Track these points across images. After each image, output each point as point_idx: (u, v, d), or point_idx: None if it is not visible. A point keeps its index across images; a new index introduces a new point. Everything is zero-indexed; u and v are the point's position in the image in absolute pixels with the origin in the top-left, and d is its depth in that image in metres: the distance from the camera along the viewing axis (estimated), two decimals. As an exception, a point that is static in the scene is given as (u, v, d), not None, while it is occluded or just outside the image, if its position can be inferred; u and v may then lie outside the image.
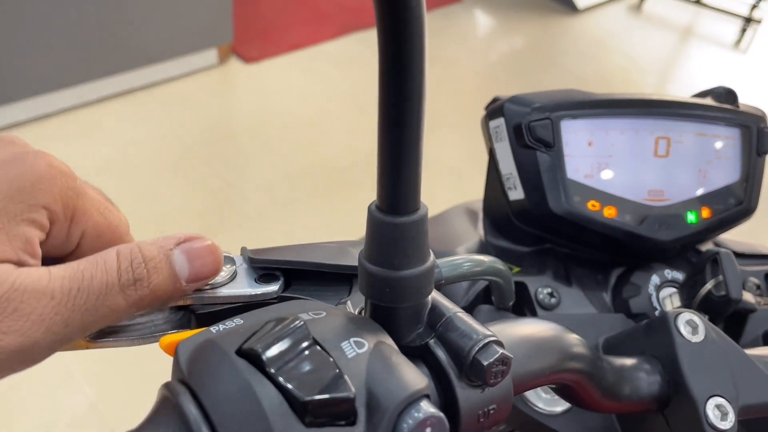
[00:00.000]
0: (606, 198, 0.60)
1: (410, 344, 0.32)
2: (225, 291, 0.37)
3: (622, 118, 0.61)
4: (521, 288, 0.60)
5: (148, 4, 2.49)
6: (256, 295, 0.37)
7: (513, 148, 0.60)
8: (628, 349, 0.48)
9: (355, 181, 2.37)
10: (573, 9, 3.83)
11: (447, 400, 0.32)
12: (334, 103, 2.77)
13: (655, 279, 0.62)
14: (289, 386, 0.26)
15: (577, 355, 0.39)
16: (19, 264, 0.30)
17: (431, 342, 0.32)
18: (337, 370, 0.27)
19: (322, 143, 2.54)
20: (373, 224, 0.30)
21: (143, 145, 2.41)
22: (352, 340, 0.29)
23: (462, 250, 0.68)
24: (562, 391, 0.42)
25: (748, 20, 3.75)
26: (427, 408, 0.28)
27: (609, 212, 0.60)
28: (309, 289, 0.39)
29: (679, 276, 0.62)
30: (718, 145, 0.63)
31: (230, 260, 0.38)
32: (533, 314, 0.59)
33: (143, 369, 1.53)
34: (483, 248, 0.67)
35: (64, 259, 0.34)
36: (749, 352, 0.46)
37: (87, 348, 0.35)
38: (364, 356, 0.29)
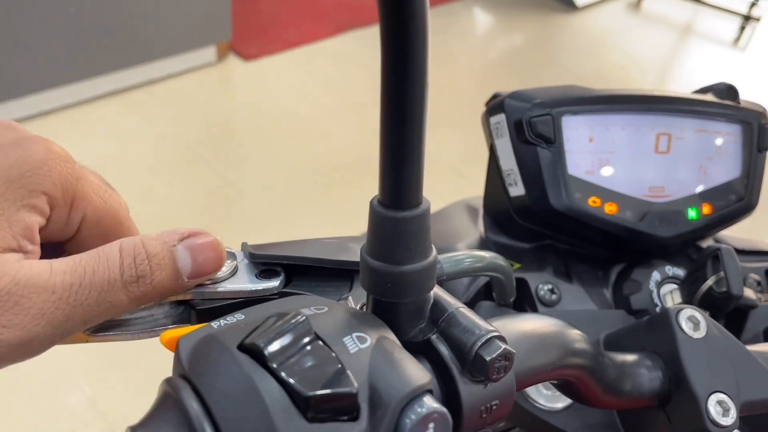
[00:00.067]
0: (607, 194, 0.60)
1: (412, 340, 0.32)
2: (226, 286, 0.37)
3: (623, 114, 0.61)
4: (522, 284, 0.60)
5: (146, 1, 2.48)
6: (256, 290, 0.37)
7: (514, 144, 0.60)
8: (629, 345, 0.48)
9: (354, 179, 2.36)
10: (572, 7, 3.83)
11: (449, 396, 0.31)
12: (332, 101, 2.77)
13: (655, 275, 0.62)
14: (292, 381, 0.26)
15: (579, 351, 0.39)
16: (19, 251, 0.29)
17: (433, 337, 0.32)
18: (340, 365, 0.27)
19: (321, 140, 2.54)
20: (375, 219, 0.29)
21: (141, 143, 2.41)
22: (354, 335, 0.29)
23: (462, 247, 0.68)
24: (564, 387, 0.42)
25: (747, 18, 3.75)
26: (430, 403, 0.27)
27: (610, 208, 0.60)
28: (310, 285, 0.39)
29: (680, 272, 0.62)
30: (719, 141, 0.63)
31: (231, 255, 0.38)
32: (534, 311, 0.59)
33: (143, 365, 1.53)
34: (483, 244, 0.67)
35: (65, 244, 0.34)
36: (750, 348, 0.46)
37: (87, 341, 0.35)
38: (366, 351, 0.29)
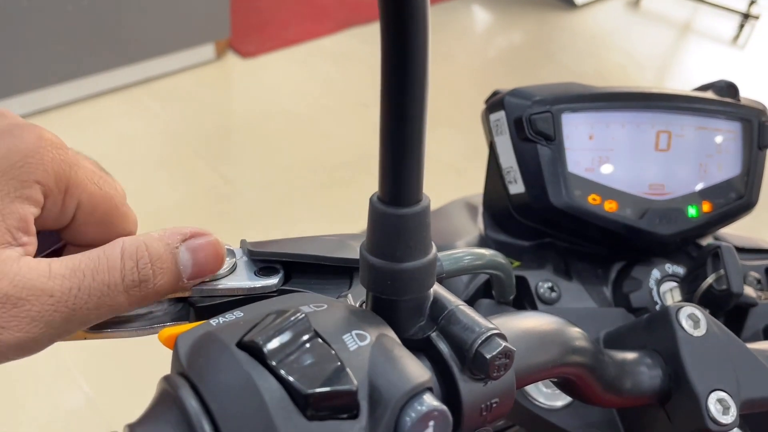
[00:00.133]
0: (607, 192, 0.60)
1: (412, 337, 0.32)
2: (225, 283, 0.36)
3: (623, 111, 0.61)
4: (521, 282, 0.60)
5: (145, -2, 2.48)
6: (255, 287, 0.37)
7: (513, 142, 0.59)
8: (629, 343, 0.47)
9: (352, 177, 2.36)
10: (571, 5, 3.82)
11: (449, 394, 0.31)
12: (331, 99, 2.77)
13: (655, 273, 0.62)
14: (291, 379, 0.26)
15: (580, 349, 0.39)
16: (15, 244, 0.29)
17: (433, 335, 0.32)
18: (339, 363, 0.27)
19: (320, 139, 2.54)
20: (374, 216, 0.29)
21: (139, 141, 2.41)
22: (353, 332, 0.29)
23: (462, 245, 0.68)
24: (564, 385, 0.41)
25: (746, 16, 3.75)
26: (430, 401, 0.27)
27: (609, 206, 0.60)
28: (309, 282, 0.39)
29: (680, 270, 0.62)
30: (719, 139, 0.63)
31: (230, 253, 0.38)
32: (533, 308, 0.59)
33: (141, 362, 1.53)
34: (483, 242, 0.67)
35: (61, 231, 0.34)
36: (751, 346, 0.46)
37: (85, 338, 0.35)
38: (366, 349, 0.28)
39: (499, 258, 0.49)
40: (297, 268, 0.39)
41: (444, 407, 0.28)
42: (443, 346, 0.31)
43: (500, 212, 0.65)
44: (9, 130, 0.30)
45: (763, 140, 0.64)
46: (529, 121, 0.58)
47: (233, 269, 0.37)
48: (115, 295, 0.30)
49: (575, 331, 0.39)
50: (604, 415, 0.52)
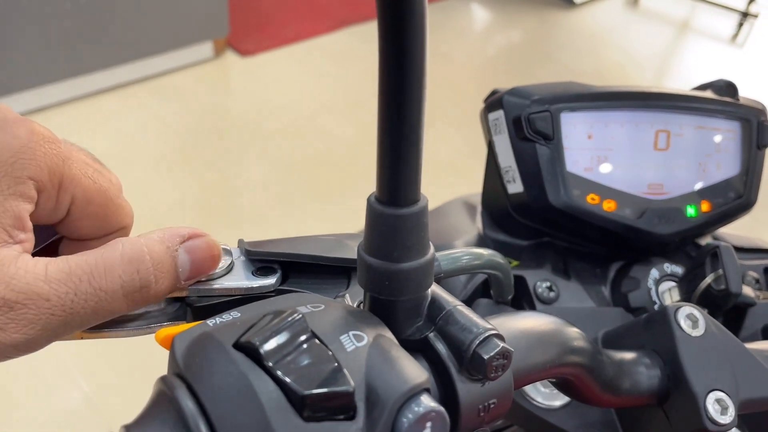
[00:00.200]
0: (605, 191, 0.60)
1: (410, 338, 0.32)
2: (222, 283, 0.36)
3: (622, 110, 0.60)
4: (520, 282, 0.60)
5: (143, -4, 2.48)
6: (253, 288, 0.37)
7: (512, 141, 0.59)
8: (628, 343, 0.47)
9: (351, 175, 2.36)
10: (570, 3, 3.82)
11: (447, 394, 0.31)
12: (329, 97, 2.76)
13: (654, 273, 0.62)
14: (288, 380, 0.26)
15: (578, 349, 0.38)
16: (12, 242, 0.29)
17: (431, 335, 0.32)
18: (336, 364, 0.27)
19: (318, 137, 2.54)
20: (372, 216, 0.29)
21: (138, 139, 2.40)
22: (351, 333, 0.29)
23: (460, 244, 0.68)
24: (562, 385, 0.41)
25: (745, 14, 3.75)
26: (427, 402, 0.27)
27: (608, 206, 0.59)
28: (306, 282, 0.39)
29: (679, 270, 0.62)
30: (718, 138, 0.63)
31: (227, 252, 0.38)
32: (532, 308, 0.59)
33: (139, 362, 1.53)
34: (481, 242, 0.66)
35: (56, 225, 0.34)
36: (749, 346, 0.46)
37: (81, 338, 0.35)
38: (363, 350, 0.28)
39: (498, 258, 0.49)
40: (294, 268, 0.39)
41: (441, 408, 0.27)
42: (441, 347, 0.31)
43: (499, 211, 0.65)
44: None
45: (762, 140, 0.63)
46: (527, 121, 0.58)
47: (230, 269, 0.37)
48: (113, 300, 0.30)
49: (573, 331, 0.39)
50: (603, 415, 0.52)
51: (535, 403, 0.54)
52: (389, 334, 0.30)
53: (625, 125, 0.61)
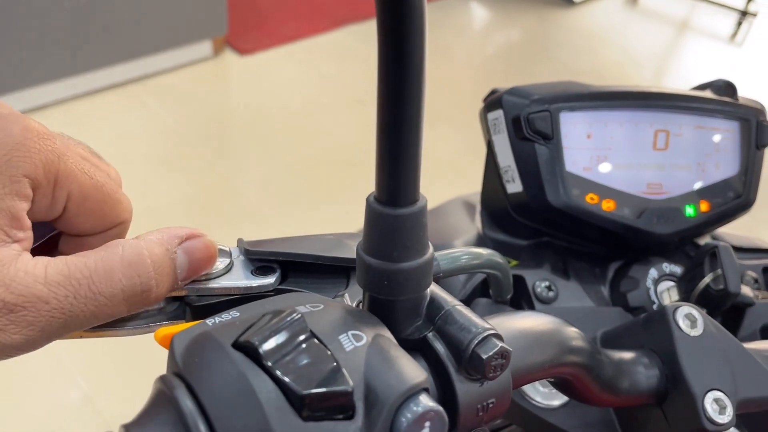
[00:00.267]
0: (604, 191, 0.60)
1: (409, 337, 0.32)
2: (221, 283, 0.36)
3: (621, 110, 0.60)
4: (519, 281, 0.60)
5: (142, -5, 2.47)
6: (252, 287, 0.37)
7: (511, 141, 0.59)
8: (627, 342, 0.47)
9: (350, 174, 2.36)
10: (569, 2, 3.82)
11: (445, 394, 0.31)
12: (329, 96, 2.76)
13: (653, 272, 0.62)
14: (286, 379, 0.26)
15: (576, 349, 0.38)
16: (11, 241, 0.29)
17: (430, 335, 0.32)
18: (335, 364, 0.27)
19: (317, 136, 2.54)
20: (371, 216, 0.29)
21: (137, 138, 2.40)
22: (350, 333, 0.29)
23: (459, 244, 0.68)
24: (561, 384, 0.41)
25: (744, 13, 3.75)
26: (426, 402, 0.27)
27: (607, 205, 0.59)
28: (306, 282, 0.39)
29: (678, 269, 0.62)
30: (717, 138, 0.63)
31: (226, 252, 0.38)
32: (531, 308, 0.59)
33: (138, 361, 1.53)
34: (480, 241, 0.66)
35: (54, 222, 0.33)
36: (748, 345, 0.46)
37: (81, 337, 0.35)
38: (362, 349, 0.28)
39: (497, 257, 0.49)
40: (294, 268, 0.39)
41: (440, 408, 0.27)
42: (440, 347, 0.31)
43: (498, 211, 0.65)
44: None
45: (761, 139, 0.63)
46: (527, 120, 0.58)
47: (230, 268, 0.37)
48: (113, 304, 0.30)
49: (572, 331, 0.39)
50: (601, 414, 0.52)
51: (533, 402, 0.54)
52: (388, 334, 0.30)
53: (624, 125, 0.61)
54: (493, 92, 0.63)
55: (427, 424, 0.27)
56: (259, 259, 0.38)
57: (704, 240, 0.66)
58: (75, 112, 2.45)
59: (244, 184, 2.29)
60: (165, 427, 0.26)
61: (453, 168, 2.44)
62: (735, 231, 0.72)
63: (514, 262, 0.62)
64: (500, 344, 0.31)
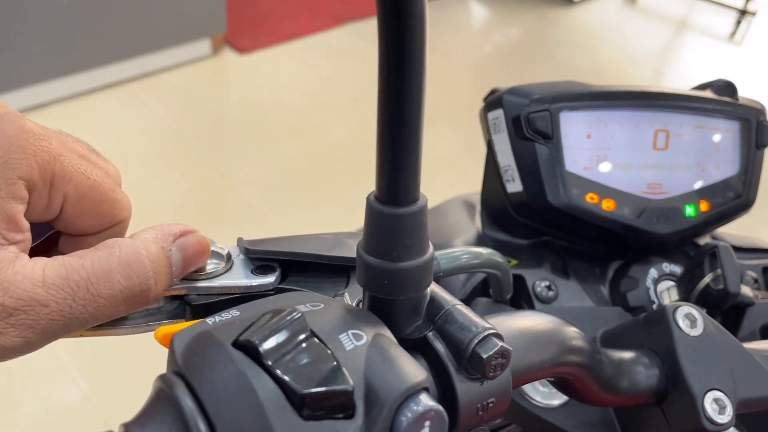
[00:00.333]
0: (604, 191, 0.60)
1: (409, 337, 0.32)
2: (221, 282, 0.36)
3: (622, 110, 0.60)
4: (519, 281, 0.60)
5: (141, -7, 2.47)
6: (252, 286, 0.37)
7: (511, 140, 0.59)
8: (626, 342, 0.47)
9: (349, 173, 2.36)
10: (568, 1, 3.82)
11: (445, 393, 0.31)
12: (328, 95, 2.76)
13: (653, 272, 0.62)
14: (287, 378, 0.26)
15: (576, 348, 0.38)
16: (8, 244, 0.29)
17: (430, 335, 0.32)
18: (335, 363, 0.27)
19: (316, 135, 2.54)
20: (371, 215, 0.29)
21: (135, 136, 2.40)
22: (350, 332, 0.29)
23: (459, 243, 0.68)
24: (560, 384, 0.41)
25: (743, 12, 3.75)
26: (426, 401, 0.27)
27: (607, 205, 0.59)
28: (306, 281, 0.39)
29: (677, 269, 0.62)
30: (717, 138, 0.63)
31: (226, 251, 0.38)
32: (531, 307, 0.59)
33: (138, 360, 1.53)
34: (480, 241, 0.66)
35: (51, 222, 0.33)
36: (747, 345, 0.46)
37: (80, 336, 0.34)
38: (362, 349, 0.28)
39: (497, 257, 0.49)
40: (294, 267, 0.39)
41: (440, 407, 0.27)
42: (440, 346, 0.31)
43: (498, 211, 0.65)
44: None
45: (761, 139, 0.63)
46: (527, 120, 0.58)
47: (230, 267, 0.37)
48: (112, 305, 0.30)
49: (572, 331, 0.39)
50: (601, 414, 0.52)
51: (533, 402, 0.54)
52: (388, 333, 0.30)
53: (624, 125, 0.61)
54: (493, 92, 0.63)
55: (427, 423, 0.27)
56: (259, 258, 0.38)
57: (704, 240, 0.66)
58: (73, 110, 2.45)
59: (242, 182, 2.28)
60: (165, 426, 0.26)
61: (453, 166, 2.44)
62: (735, 231, 0.72)
63: (514, 262, 0.62)
64: (500, 344, 0.31)
